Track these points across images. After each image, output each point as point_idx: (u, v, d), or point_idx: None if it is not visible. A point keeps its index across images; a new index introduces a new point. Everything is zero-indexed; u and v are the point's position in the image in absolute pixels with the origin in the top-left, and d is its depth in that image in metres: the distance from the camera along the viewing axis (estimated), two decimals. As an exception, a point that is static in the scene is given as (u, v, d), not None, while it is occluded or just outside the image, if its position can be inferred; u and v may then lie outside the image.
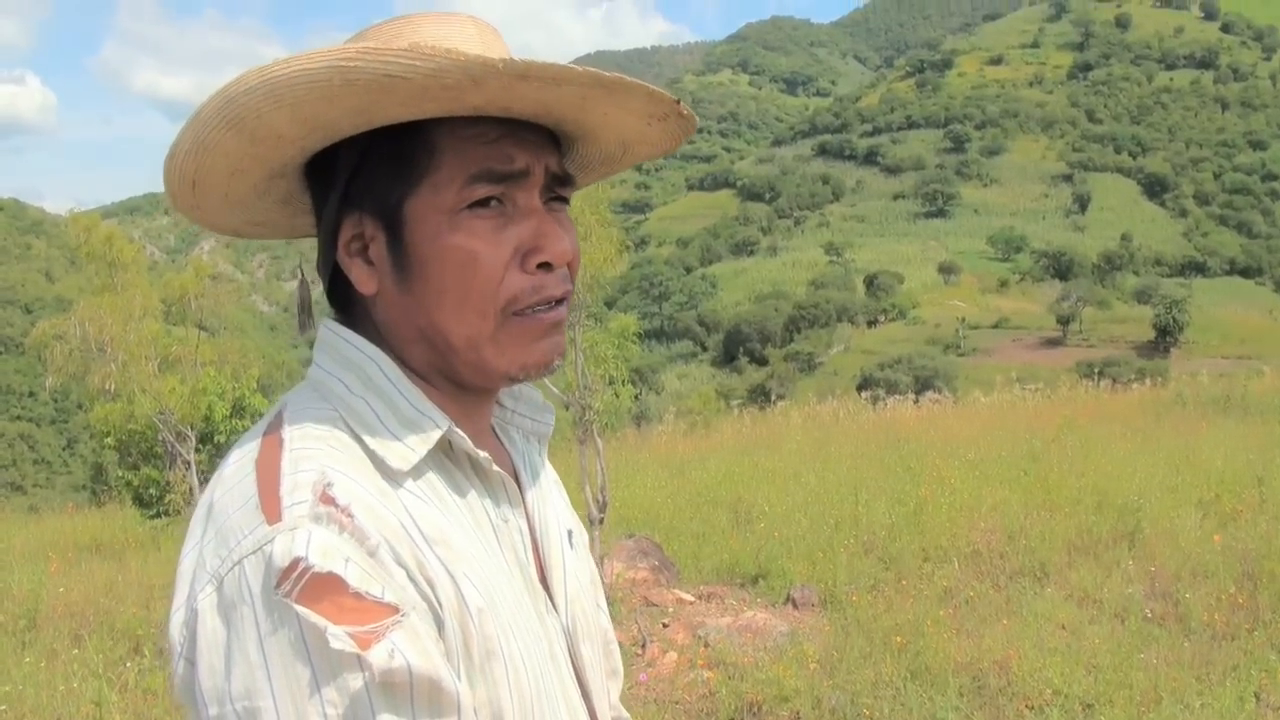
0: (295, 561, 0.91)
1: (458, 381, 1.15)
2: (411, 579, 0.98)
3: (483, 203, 1.08)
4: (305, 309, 1.22)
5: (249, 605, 0.92)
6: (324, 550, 0.92)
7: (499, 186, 1.09)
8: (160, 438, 13.93)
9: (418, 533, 1.01)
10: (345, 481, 0.99)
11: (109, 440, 15.69)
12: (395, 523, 0.99)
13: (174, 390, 13.34)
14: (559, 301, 1.14)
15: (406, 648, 0.92)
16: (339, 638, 0.89)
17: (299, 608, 0.90)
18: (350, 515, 0.96)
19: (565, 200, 1.18)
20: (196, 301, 14.90)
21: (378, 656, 0.90)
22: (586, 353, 8.14)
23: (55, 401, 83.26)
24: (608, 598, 6.50)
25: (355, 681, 0.90)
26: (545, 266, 1.11)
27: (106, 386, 13.52)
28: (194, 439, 13.52)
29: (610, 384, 8.59)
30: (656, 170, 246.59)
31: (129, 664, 6.75)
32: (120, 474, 15.34)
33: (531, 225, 1.11)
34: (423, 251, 1.08)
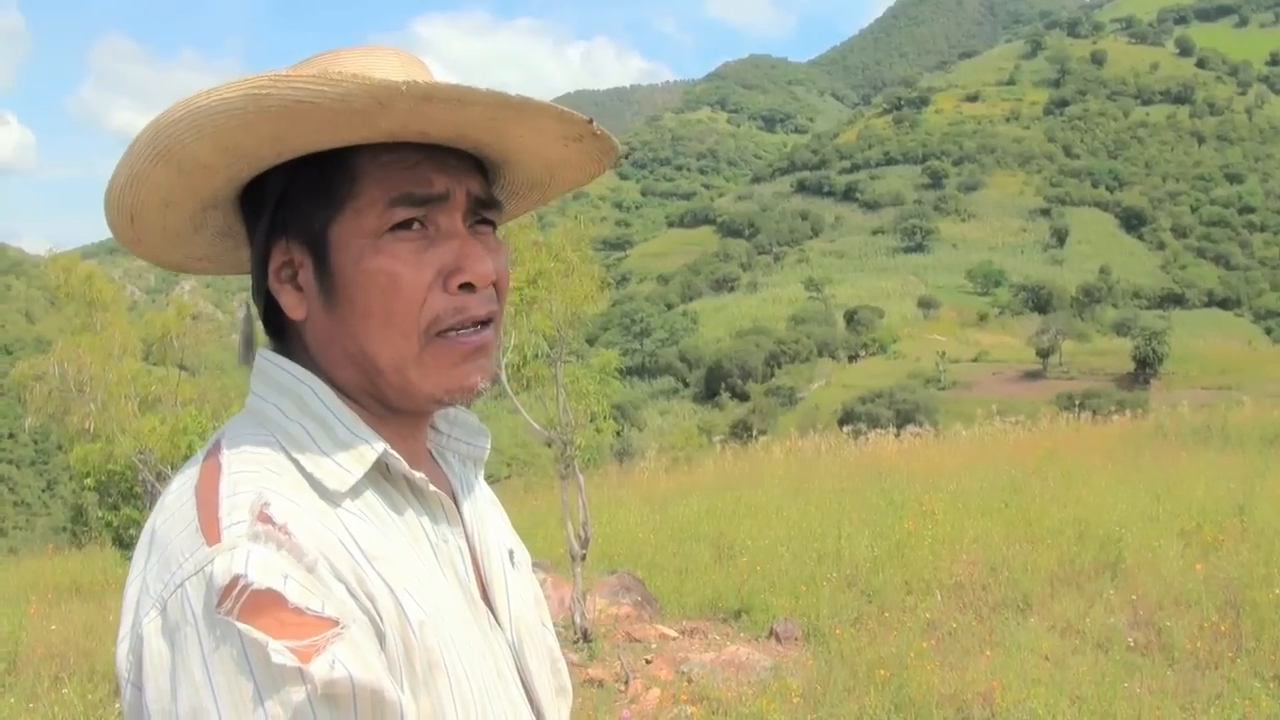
0: (235, 579, 0.93)
1: (387, 404, 1.17)
2: (351, 593, 0.99)
3: (404, 225, 1.11)
4: (248, 342, 1.24)
5: (192, 625, 0.94)
6: (263, 567, 0.94)
7: (419, 209, 1.11)
8: (140, 478, 13.81)
9: (357, 549, 1.03)
10: (282, 501, 1.01)
11: (89, 481, 15.56)
12: (334, 539, 1.02)
13: (154, 430, 13.24)
14: (484, 324, 1.16)
15: (348, 659, 0.94)
16: (280, 652, 0.91)
17: (240, 624, 0.92)
18: (288, 533, 0.98)
19: (491, 224, 1.20)
20: (177, 341, 14.83)
21: (319, 669, 0.92)
22: (568, 388, 8.13)
23: (35, 443, 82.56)
24: (590, 634, 6.49)
25: (298, 694, 0.91)
26: (467, 287, 1.13)
27: (86, 426, 13.41)
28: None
29: (592, 420, 8.58)
30: (636, 208, 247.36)
31: (110, 706, 6.70)
32: (100, 515, 15.21)
33: (453, 247, 1.13)
34: (347, 275, 1.11)
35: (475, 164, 1.18)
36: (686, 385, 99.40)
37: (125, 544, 13.93)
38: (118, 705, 6.68)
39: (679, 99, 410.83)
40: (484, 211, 1.18)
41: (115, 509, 14.56)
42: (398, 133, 1.08)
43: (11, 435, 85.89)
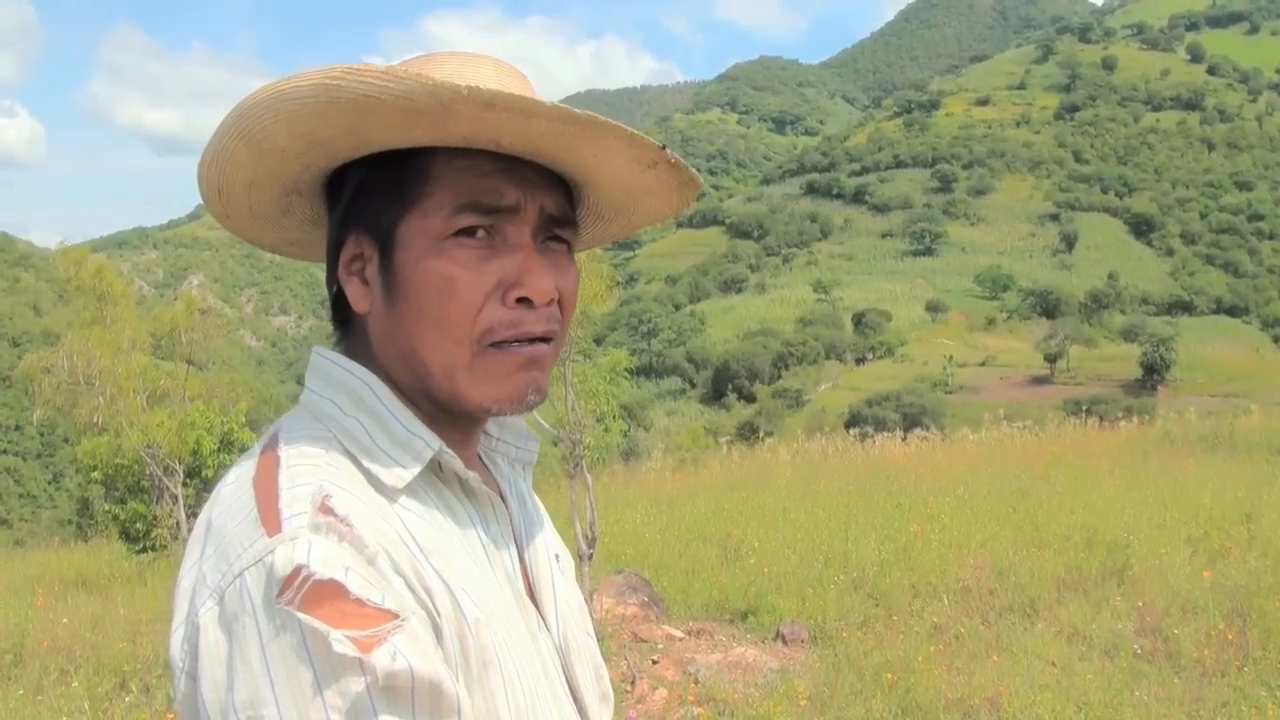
0: (297, 569, 0.93)
1: (438, 406, 1.16)
2: (410, 587, 0.99)
3: (469, 232, 1.09)
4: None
5: (251, 615, 0.93)
6: (324, 559, 0.94)
7: (486, 218, 1.10)
8: (148, 472, 13.85)
9: (414, 544, 1.03)
10: (343, 494, 1.01)
11: (96, 474, 15.60)
12: (392, 533, 1.01)
13: (162, 424, 13.28)
14: (541, 339, 1.14)
15: (408, 651, 0.94)
16: (341, 642, 0.91)
17: (301, 614, 0.92)
18: (349, 525, 0.98)
19: (564, 241, 1.18)
20: (186, 336, 14.86)
21: (379, 659, 0.92)
22: (577, 388, 8.12)
23: (42, 435, 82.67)
24: (597, 633, 6.47)
25: (357, 684, 0.91)
26: (525, 302, 1.11)
27: (94, 420, 13.46)
28: (181, 473, 13.44)
29: (600, 419, 8.57)
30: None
31: (116, 700, 6.71)
32: (107, 508, 15.25)
33: (517, 260, 1.11)
34: (408, 274, 1.10)
35: (556, 180, 1.17)
36: (693, 386, 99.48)
37: (131, 537, 13.97)
38: (127, 699, 6.70)
39: (689, 99, 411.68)
40: (557, 229, 1.16)
41: (122, 503, 14.59)
42: (471, 139, 1.07)
43: (18, 427, 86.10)
